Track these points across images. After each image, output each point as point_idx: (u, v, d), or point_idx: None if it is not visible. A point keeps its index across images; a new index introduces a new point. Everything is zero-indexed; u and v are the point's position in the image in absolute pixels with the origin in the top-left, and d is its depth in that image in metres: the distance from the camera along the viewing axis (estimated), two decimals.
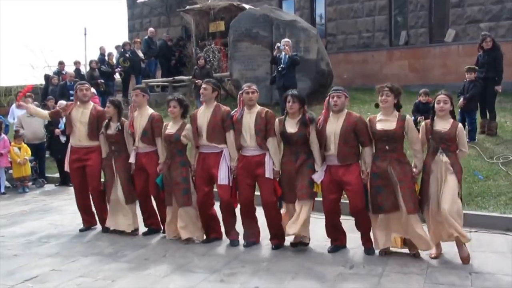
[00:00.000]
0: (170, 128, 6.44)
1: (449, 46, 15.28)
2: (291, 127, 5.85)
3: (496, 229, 6.37)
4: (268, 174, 5.96)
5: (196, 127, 6.27)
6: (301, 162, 5.83)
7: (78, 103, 7.16)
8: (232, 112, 6.23)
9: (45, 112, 7.75)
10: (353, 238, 5.92)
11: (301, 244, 5.99)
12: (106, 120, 6.93)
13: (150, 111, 6.82)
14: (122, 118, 6.93)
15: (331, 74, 13.84)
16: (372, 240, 5.75)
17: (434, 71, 15.29)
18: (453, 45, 15.18)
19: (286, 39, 11.70)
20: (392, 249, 5.72)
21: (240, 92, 6.21)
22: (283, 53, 11.09)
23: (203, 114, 6.28)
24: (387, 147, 5.52)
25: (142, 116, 6.71)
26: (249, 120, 6.04)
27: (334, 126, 5.67)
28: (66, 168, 7.28)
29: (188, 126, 6.40)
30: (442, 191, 5.36)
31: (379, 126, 5.55)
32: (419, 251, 5.58)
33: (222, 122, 6.18)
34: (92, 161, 7.03)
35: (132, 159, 6.78)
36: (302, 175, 5.82)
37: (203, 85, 6.33)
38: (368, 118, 5.74)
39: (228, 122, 6.17)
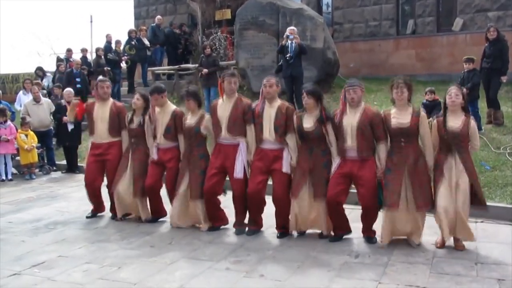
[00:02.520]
0: (189, 120, 6.45)
1: (456, 35, 15.17)
2: (308, 123, 5.83)
3: (502, 219, 6.38)
4: (286, 169, 5.96)
5: (217, 118, 6.25)
6: (315, 158, 5.82)
7: (98, 100, 7.16)
8: (253, 105, 6.21)
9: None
10: (358, 228, 5.92)
11: (322, 236, 5.98)
12: (130, 114, 6.91)
13: (173, 107, 6.79)
14: (147, 113, 6.81)
15: (338, 63, 13.79)
16: (377, 231, 5.77)
17: (442, 61, 15.21)
18: (460, 34, 15.08)
19: (292, 27, 11.62)
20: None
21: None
22: (290, 41, 11.03)
23: (224, 106, 6.25)
24: (402, 143, 5.51)
25: (164, 112, 6.67)
26: (269, 114, 6.02)
27: (351, 119, 5.66)
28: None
29: (208, 117, 6.39)
30: (456, 192, 5.35)
31: (394, 122, 5.53)
32: (421, 242, 5.64)
33: (243, 115, 6.16)
34: (112, 156, 7.02)
35: (154, 156, 6.73)
36: (318, 174, 5.80)
37: (231, 79, 6.23)
38: (383, 113, 5.72)
39: (249, 115, 6.15)
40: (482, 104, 10.07)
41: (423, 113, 5.60)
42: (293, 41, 11.00)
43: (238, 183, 6.14)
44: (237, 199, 6.21)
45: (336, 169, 5.76)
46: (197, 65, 14.03)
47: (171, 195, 6.65)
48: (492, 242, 5.70)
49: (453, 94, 5.42)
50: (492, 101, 9.85)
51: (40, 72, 15.36)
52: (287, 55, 10.98)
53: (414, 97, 11.05)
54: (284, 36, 11.32)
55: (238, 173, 6.13)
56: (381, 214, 5.71)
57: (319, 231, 6.03)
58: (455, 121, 5.42)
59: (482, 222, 6.34)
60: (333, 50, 13.67)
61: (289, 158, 5.98)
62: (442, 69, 14.74)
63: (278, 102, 6.11)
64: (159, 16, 17.84)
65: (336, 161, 5.79)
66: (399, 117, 5.52)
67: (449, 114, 5.48)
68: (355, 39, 17.07)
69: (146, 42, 16.15)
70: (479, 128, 9.38)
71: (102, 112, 7.08)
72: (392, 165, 5.54)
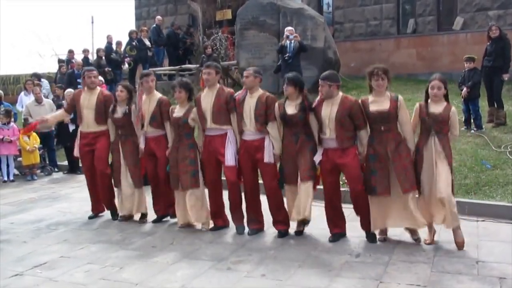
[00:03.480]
0: (178, 111, 6.47)
1: (457, 34, 15.19)
2: (291, 109, 5.85)
3: (503, 218, 6.36)
4: (268, 158, 5.98)
5: (201, 110, 6.29)
6: (301, 143, 5.84)
7: (86, 89, 7.19)
8: (235, 95, 6.25)
9: (61, 112, 7.82)
10: (357, 227, 5.92)
11: (303, 223, 6.03)
12: (113, 104, 6.95)
13: (158, 95, 6.83)
14: (132, 102, 6.90)
15: (339, 62, 13.80)
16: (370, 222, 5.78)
17: (442, 60, 15.22)
18: (461, 33, 15.09)
19: (290, 28, 11.66)
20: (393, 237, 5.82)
21: None
22: (288, 41, 11.07)
23: (207, 97, 6.29)
24: (382, 128, 5.54)
25: (150, 100, 6.72)
26: (250, 104, 6.05)
27: (329, 111, 5.66)
28: (76, 153, 7.31)
29: (195, 109, 6.43)
30: (437, 177, 5.37)
31: (372, 108, 5.54)
32: (419, 238, 5.65)
33: (226, 104, 6.20)
34: (100, 144, 7.06)
35: (142, 144, 6.80)
36: (304, 157, 5.81)
37: (206, 70, 6.31)
38: (360, 100, 5.73)
39: (232, 104, 6.19)
40: (483, 103, 10.07)
41: (400, 97, 5.61)
42: (293, 41, 11.03)
43: (231, 170, 6.18)
44: (231, 186, 6.21)
45: (320, 159, 5.76)
46: (198, 65, 14.05)
47: (164, 184, 6.70)
48: (493, 240, 5.70)
49: (436, 87, 5.45)
50: (496, 100, 9.84)
51: (35, 79, 15.32)
52: (286, 55, 11.01)
53: (414, 96, 11.14)
54: (284, 36, 11.35)
55: (230, 160, 6.16)
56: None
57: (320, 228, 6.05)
58: (437, 108, 5.47)
59: (483, 220, 6.34)
60: (334, 50, 13.69)
61: (271, 147, 5.99)
62: (443, 68, 14.70)
63: (259, 92, 6.13)
64: (159, 17, 17.88)
65: (319, 152, 5.81)
66: (377, 103, 5.54)
67: (431, 103, 5.52)
68: (355, 38, 17.09)
69: (147, 43, 16.18)
70: (480, 127, 9.44)
71: (89, 100, 7.11)
72: (375, 152, 5.56)
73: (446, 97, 5.56)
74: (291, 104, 5.89)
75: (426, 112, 5.49)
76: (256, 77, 6.12)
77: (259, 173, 6.24)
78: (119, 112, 6.88)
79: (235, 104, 6.16)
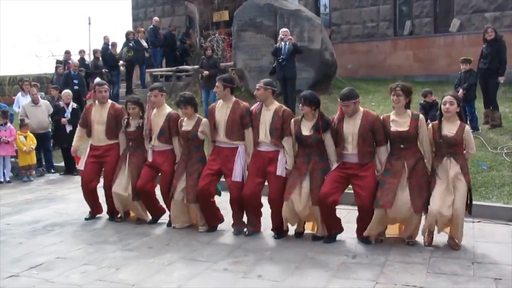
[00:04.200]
0: (186, 124, 6.44)
1: (454, 36, 15.23)
2: (306, 130, 5.83)
3: (499, 219, 6.39)
4: (280, 172, 5.95)
5: (214, 122, 6.25)
6: (313, 165, 5.81)
7: (96, 103, 7.16)
8: (251, 108, 6.22)
9: (79, 131, 7.44)
10: (354, 228, 5.93)
11: (315, 238, 5.98)
12: (126, 118, 6.90)
13: (168, 109, 6.79)
14: (144, 116, 6.80)
15: (335, 64, 13.82)
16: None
17: (439, 61, 15.26)
18: (457, 35, 15.13)
19: (285, 29, 11.66)
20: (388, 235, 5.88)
21: None
22: (283, 43, 11.08)
23: (222, 110, 6.25)
24: (402, 146, 5.55)
25: (160, 115, 6.69)
26: (266, 117, 6.03)
27: (352, 127, 5.66)
28: (80, 166, 7.24)
29: (205, 121, 6.39)
30: (455, 193, 5.38)
31: (393, 128, 5.55)
32: (414, 241, 5.68)
33: (241, 119, 6.16)
34: (110, 158, 7.02)
35: (150, 157, 6.75)
36: (316, 180, 5.78)
37: (217, 84, 6.27)
38: (382, 118, 5.74)
39: (247, 119, 6.15)
40: (479, 105, 10.10)
41: (422, 116, 5.61)
42: (287, 43, 11.04)
43: (236, 186, 6.15)
44: (233, 201, 6.21)
45: (333, 170, 5.77)
46: (195, 66, 14.04)
47: (166, 198, 6.67)
48: (489, 241, 5.72)
49: (448, 102, 5.45)
50: (491, 102, 9.88)
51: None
52: (280, 57, 11.02)
53: (412, 97, 11.13)
54: (279, 38, 11.35)
55: (237, 176, 6.14)
56: None
57: (313, 232, 6.06)
58: (450, 128, 5.45)
59: (479, 222, 6.36)
60: (330, 51, 13.70)
61: (284, 160, 5.97)
62: (440, 70, 14.79)
63: (275, 105, 6.11)
64: (156, 18, 17.89)
65: (334, 166, 5.79)
66: (398, 122, 5.55)
67: (444, 121, 5.50)
68: (352, 40, 17.12)
69: (144, 44, 16.17)
70: (476, 129, 9.48)
71: (100, 114, 7.08)
72: (392, 167, 5.56)
73: (459, 115, 5.54)
74: (306, 124, 5.85)
75: (439, 135, 5.46)
76: (266, 89, 6.06)
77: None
78: (132, 125, 6.85)
79: (251, 119, 6.13)
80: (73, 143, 7.51)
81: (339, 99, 5.78)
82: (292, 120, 5.98)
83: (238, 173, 6.15)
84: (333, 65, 13.70)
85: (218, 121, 6.22)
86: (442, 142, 5.44)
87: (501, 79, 9.72)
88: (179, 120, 6.55)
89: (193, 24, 19.17)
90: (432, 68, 15.22)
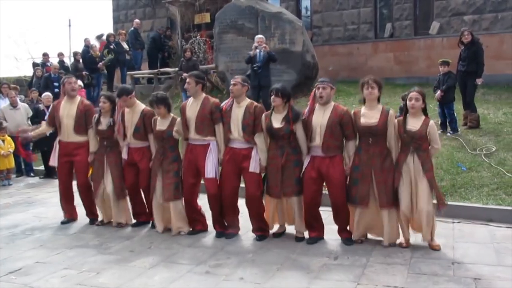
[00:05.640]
0: (160, 124, 6.42)
1: (433, 38, 15.37)
2: (277, 122, 5.85)
3: (479, 220, 6.45)
4: (253, 168, 5.97)
5: (185, 119, 6.25)
6: (286, 157, 5.83)
7: (65, 97, 7.09)
8: (222, 104, 6.22)
9: (43, 126, 7.54)
10: (335, 230, 5.96)
11: (297, 239, 6.02)
12: (96, 116, 6.87)
13: (142, 106, 6.77)
14: (114, 114, 6.81)
15: (317, 66, 13.87)
16: (350, 230, 5.87)
17: (419, 63, 15.38)
18: (437, 38, 15.27)
19: (260, 36, 11.58)
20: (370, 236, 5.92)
21: None
22: (258, 50, 10.99)
23: (192, 107, 6.25)
24: (370, 140, 5.57)
25: (134, 112, 6.66)
26: (237, 113, 6.03)
27: (321, 118, 5.69)
28: (52, 163, 7.21)
29: (179, 120, 6.38)
30: (418, 193, 5.44)
31: (362, 121, 5.59)
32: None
33: (211, 114, 6.15)
34: (80, 157, 6.99)
35: (124, 155, 6.74)
36: (289, 172, 5.83)
37: (187, 80, 6.30)
38: (353, 111, 5.77)
39: (217, 114, 6.14)
40: (459, 107, 10.21)
41: (392, 111, 5.66)
42: (261, 50, 10.94)
43: (210, 182, 6.16)
44: (211, 198, 6.20)
45: (306, 168, 5.80)
46: (176, 69, 13.99)
47: (146, 196, 6.69)
48: (468, 242, 5.78)
49: (414, 98, 5.49)
50: (469, 103, 9.99)
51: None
52: (255, 65, 10.91)
53: (391, 99, 11.23)
54: (253, 46, 11.24)
55: (209, 173, 6.14)
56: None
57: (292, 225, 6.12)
58: (414, 123, 5.50)
59: (459, 222, 6.43)
60: (312, 54, 13.75)
61: (257, 157, 5.99)
62: (420, 72, 14.90)
63: (246, 101, 6.12)
64: (137, 20, 17.80)
65: (306, 160, 5.83)
66: (368, 116, 5.58)
67: (409, 116, 5.56)
68: (333, 42, 17.18)
69: (125, 46, 16.08)
70: (456, 130, 9.57)
71: (68, 109, 7.02)
72: (360, 162, 5.60)
73: (424, 111, 5.59)
74: (277, 116, 5.88)
75: (403, 129, 5.51)
76: (243, 85, 6.09)
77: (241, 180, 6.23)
78: (103, 124, 6.82)
79: (222, 114, 6.13)
80: (31, 132, 7.54)
81: (316, 82, 5.80)
82: (263, 115, 6.00)
83: (210, 169, 6.13)
84: (315, 67, 13.75)
85: (189, 118, 6.21)
86: (406, 136, 5.49)
87: (479, 81, 9.83)
88: (153, 119, 6.53)
89: (174, 26, 19.08)
90: (412, 70, 15.33)
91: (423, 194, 5.42)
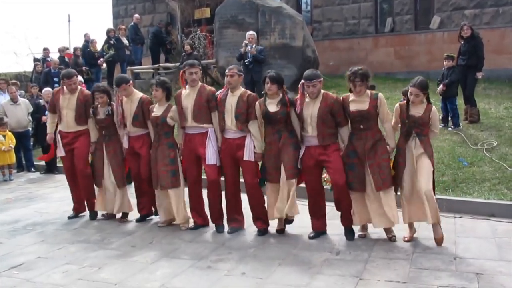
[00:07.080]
0: (156, 110, 6.45)
1: (434, 33, 15.34)
2: (273, 106, 5.86)
3: (480, 214, 6.45)
4: (247, 156, 5.99)
5: (181, 108, 6.26)
6: (284, 141, 5.84)
7: (66, 90, 7.09)
8: (217, 93, 6.24)
9: (50, 116, 7.45)
10: (337, 225, 5.96)
11: (286, 221, 6.05)
12: (94, 107, 6.88)
13: (139, 94, 6.81)
14: (112, 103, 6.87)
15: (317, 61, 13.83)
16: (352, 217, 5.84)
17: (420, 58, 15.36)
18: (438, 32, 15.24)
19: (251, 32, 11.63)
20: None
21: None
22: (249, 47, 11.13)
23: (188, 95, 6.26)
24: (361, 126, 5.59)
25: (132, 100, 6.70)
26: (231, 103, 6.05)
27: (311, 109, 5.69)
28: (59, 154, 7.20)
29: (174, 107, 6.39)
30: (418, 173, 5.46)
31: (352, 107, 5.59)
32: (394, 236, 5.69)
33: (207, 102, 6.18)
34: (79, 143, 7.01)
35: (125, 144, 6.77)
36: (287, 154, 5.82)
37: (192, 70, 6.25)
38: (341, 98, 5.76)
39: (213, 103, 6.18)
40: (461, 101, 10.19)
41: (381, 94, 5.66)
42: (252, 47, 11.08)
43: (211, 168, 6.18)
44: (211, 184, 6.19)
45: (303, 159, 5.80)
46: (177, 64, 13.96)
47: (149, 184, 6.65)
48: (470, 237, 5.77)
49: (414, 94, 5.52)
50: (468, 98, 9.98)
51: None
52: (246, 60, 11.05)
53: (392, 94, 11.21)
54: (243, 44, 11.34)
55: (211, 159, 6.16)
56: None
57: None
58: (417, 109, 5.55)
59: (460, 217, 6.42)
60: (312, 48, 13.72)
61: (251, 145, 6.00)
62: (420, 67, 14.87)
63: (240, 90, 6.14)
64: (137, 15, 17.74)
65: (301, 150, 5.84)
66: (358, 102, 5.58)
67: (412, 104, 5.59)
68: (334, 37, 17.15)
69: (125, 41, 16.04)
70: (457, 125, 9.56)
71: (69, 100, 7.03)
72: (354, 148, 5.62)
73: (427, 98, 5.61)
74: (272, 102, 5.89)
75: (406, 115, 5.54)
76: (240, 75, 6.13)
77: (240, 172, 6.23)
78: (101, 113, 6.84)
79: (217, 103, 6.14)
80: (48, 130, 7.46)
81: (303, 81, 5.74)
82: (257, 102, 6.00)
83: (211, 156, 6.16)
84: (315, 62, 13.71)
85: (185, 107, 6.22)
86: (409, 122, 5.51)
87: (479, 75, 9.82)
88: (151, 107, 6.55)
89: (174, 21, 19.04)
90: (413, 65, 15.31)
91: (424, 172, 5.42)
